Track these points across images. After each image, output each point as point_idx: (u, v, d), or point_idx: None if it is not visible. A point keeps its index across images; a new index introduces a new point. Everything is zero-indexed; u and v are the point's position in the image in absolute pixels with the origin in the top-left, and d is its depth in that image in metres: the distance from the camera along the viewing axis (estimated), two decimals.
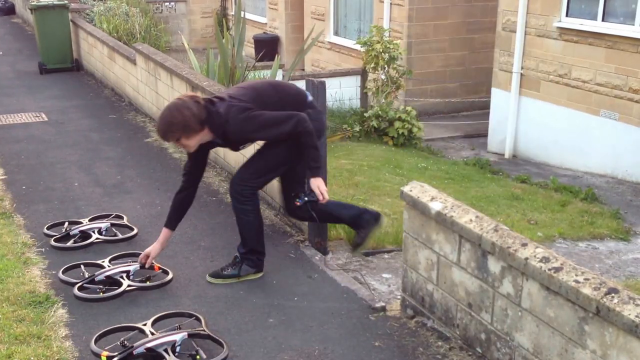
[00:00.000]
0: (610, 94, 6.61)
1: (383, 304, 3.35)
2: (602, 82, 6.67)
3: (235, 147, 3.52)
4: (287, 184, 3.63)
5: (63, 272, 3.57)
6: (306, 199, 3.40)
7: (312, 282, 3.60)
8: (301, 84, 3.85)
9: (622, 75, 6.46)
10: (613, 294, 2.19)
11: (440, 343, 2.96)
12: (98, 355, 2.79)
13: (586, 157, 6.95)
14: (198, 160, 3.47)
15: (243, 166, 3.54)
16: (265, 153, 3.48)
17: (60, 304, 3.31)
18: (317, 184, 3.33)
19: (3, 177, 5.32)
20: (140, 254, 3.80)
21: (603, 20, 6.66)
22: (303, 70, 11.00)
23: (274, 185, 4.53)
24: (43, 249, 3.95)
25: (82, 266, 3.62)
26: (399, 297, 3.40)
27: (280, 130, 3.25)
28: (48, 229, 4.18)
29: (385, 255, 4.10)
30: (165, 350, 2.81)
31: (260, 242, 3.53)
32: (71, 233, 4.08)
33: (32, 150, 6.04)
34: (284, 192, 3.69)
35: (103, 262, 3.67)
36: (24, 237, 4.09)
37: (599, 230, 4.91)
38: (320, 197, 3.33)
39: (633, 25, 6.35)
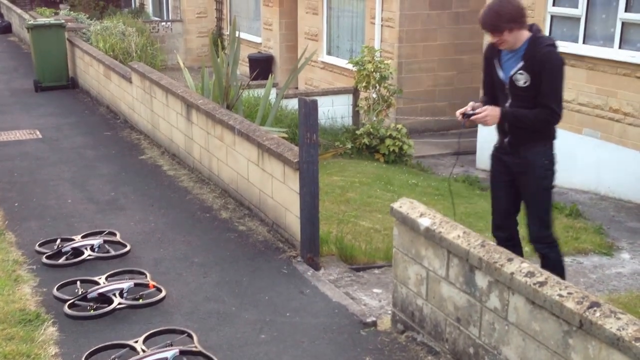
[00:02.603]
0: (591, 114, 6.76)
1: (374, 318, 3.39)
2: (584, 102, 6.82)
3: (515, 79, 3.26)
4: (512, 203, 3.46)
5: (57, 289, 3.56)
6: (470, 112, 3.35)
7: (304, 297, 3.63)
8: (294, 102, 3.90)
9: (602, 95, 6.61)
10: (595, 308, 2.25)
11: (430, 357, 2.99)
12: None
13: (570, 174, 7.05)
14: (490, 78, 3.43)
15: (529, 219, 3.39)
16: (534, 195, 3.40)
17: (50, 322, 3.30)
18: (492, 112, 3.25)
19: None
20: (136, 271, 3.81)
21: (584, 42, 6.83)
22: (296, 88, 11.10)
23: (267, 201, 4.58)
24: (34, 267, 3.95)
25: (78, 283, 3.62)
26: (389, 312, 3.44)
27: (558, 97, 3.25)
28: (40, 246, 4.17)
29: (376, 271, 4.14)
30: None
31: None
32: (63, 250, 4.08)
33: (25, 168, 6.05)
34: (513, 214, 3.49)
35: (99, 279, 3.67)
36: (15, 255, 4.08)
37: (583, 245, 4.98)
38: (482, 115, 3.24)
39: (612, 48, 6.52)
